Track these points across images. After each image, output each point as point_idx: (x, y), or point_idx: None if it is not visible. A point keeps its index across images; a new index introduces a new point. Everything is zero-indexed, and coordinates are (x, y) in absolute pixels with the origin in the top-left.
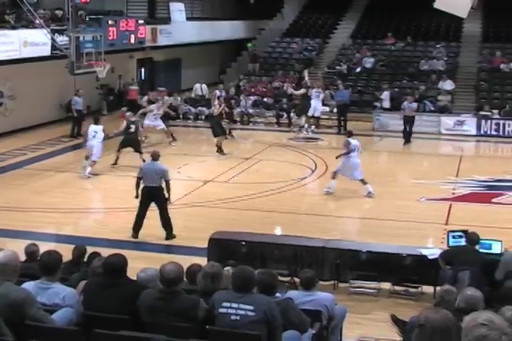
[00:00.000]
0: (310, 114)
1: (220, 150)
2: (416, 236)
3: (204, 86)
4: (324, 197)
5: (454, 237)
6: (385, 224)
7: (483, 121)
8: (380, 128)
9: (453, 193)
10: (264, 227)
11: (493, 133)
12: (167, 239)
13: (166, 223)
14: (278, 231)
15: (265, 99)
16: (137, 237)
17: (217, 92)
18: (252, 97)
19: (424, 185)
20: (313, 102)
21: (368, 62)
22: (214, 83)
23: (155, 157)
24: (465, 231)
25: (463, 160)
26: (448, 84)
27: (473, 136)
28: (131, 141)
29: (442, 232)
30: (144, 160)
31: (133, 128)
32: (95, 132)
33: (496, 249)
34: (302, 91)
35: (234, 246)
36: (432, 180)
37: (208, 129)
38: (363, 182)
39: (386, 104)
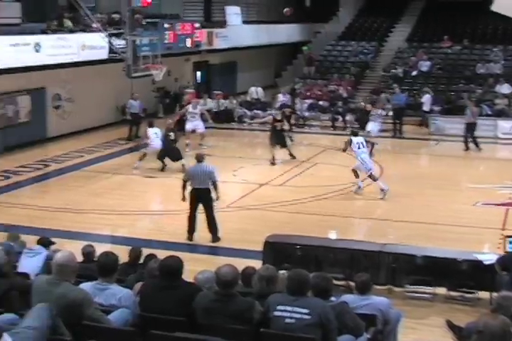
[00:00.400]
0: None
1: (291, 155)
2: (472, 241)
3: (259, 89)
4: (379, 201)
5: (511, 243)
6: (441, 229)
7: None
8: (437, 132)
9: (510, 198)
10: (319, 231)
11: None
12: (213, 241)
13: (212, 225)
14: (333, 235)
15: (320, 103)
16: (192, 240)
17: (281, 96)
18: (307, 101)
19: (480, 190)
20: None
21: (424, 65)
22: (269, 86)
23: (200, 159)
24: None
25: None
26: (505, 88)
27: None
28: (169, 150)
29: (499, 237)
30: (183, 165)
31: (172, 136)
32: (156, 133)
33: None
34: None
35: (289, 249)
36: (488, 184)
37: (263, 132)
38: (372, 177)
39: (426, 107)
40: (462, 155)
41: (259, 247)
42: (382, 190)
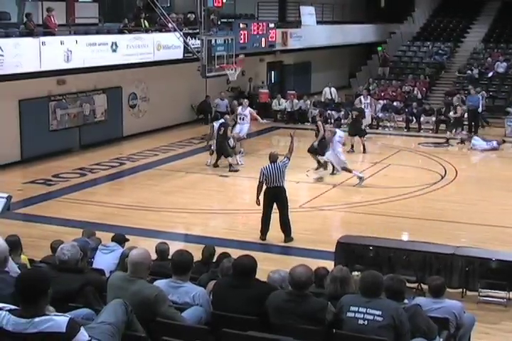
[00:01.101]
0: None
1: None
2: None
3: (333, 89)
4: (453, 203)
5: None
6: None
7: None
8: None
9: None
10: (391, 232)
11: None
12: (285, 241)
13: (286, 226)
14: (405, 237)
15: (395, 103)
16: (265, 239)
17: (362, 99)
18: (381, 101)
19: None
20: None
21: (501, 66)
22: (343, 87)
23: (273, 159)
24: None
25: None
26: None
27: None
28: (219, 144)
29: None
30: (230, 165)
31: (222, 130)
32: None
33: None
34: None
35: (361, 250)
36: None
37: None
38: (346, 170)
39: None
40: None
41: (332, 248)
42: (360, 178)
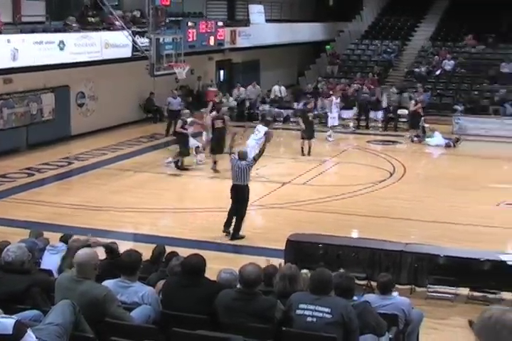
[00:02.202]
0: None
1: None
2: (495, 241)
3: (282, 88)
4: (402, 200)
5: None
6: (464, 229)
7: None
8: (460, 132)
9: None
10: (341, 230)
11: None
12: (231, 239)
13: (239, 223)
14: (355, 234)
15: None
16: (228, 233)
17: (334, 99)
18: (329, 99)
19: (504, 190)
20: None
21: (448, 64)
22: (292, 85)
23: (241, 156)
24: None
25: None
26: None
27: None
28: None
29: None
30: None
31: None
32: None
33: None
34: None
35: (311, 248)
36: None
37: (286, 131)
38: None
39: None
40: (485, 155)
41: (281, 246)
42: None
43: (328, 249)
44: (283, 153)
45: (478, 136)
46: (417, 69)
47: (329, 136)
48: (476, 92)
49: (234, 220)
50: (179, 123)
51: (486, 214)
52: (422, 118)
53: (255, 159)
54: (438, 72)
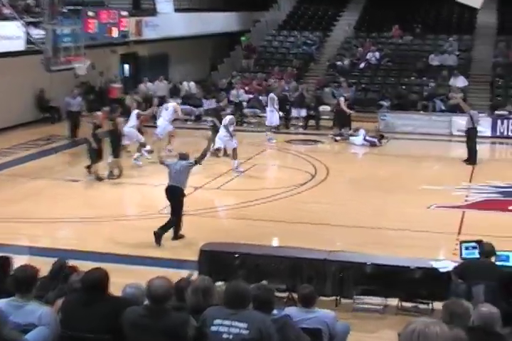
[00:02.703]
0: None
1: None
2: (426, 247)
3: (192, 84)
4: (325, 204)
5: (467, 248)
6: (392, 234)
7: (499, 121)
8: (386, 129)
9: (466, 200)
10: (259, 238)
11: (511, 134)
12: (157, 242)
13: (168, 227)
14: (275, 242)
15: (261, 98)
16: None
17: (273, 95)
18: (244, 96)
19: (434, 192)
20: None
21: (373, 57)
22: (204, 80)
23: (181, 156)
24: (479, 242)
25: (477, 164)
26: (460, 81)
27: (489, 137)
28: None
29: (454, 243)
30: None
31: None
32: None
33: None
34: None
35: (226, 258)
36: (443, 185)
37: (196, 130)
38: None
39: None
40: (414, 154)
41: (195, 257)
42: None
43: (246, 258)
44: (195, 155)
45: (407, 133)
46: (339, 63)
47: (270, 139)
48: (403, 87)
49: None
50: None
51: (416, 218)
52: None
53: (196, 162)
54: (362, 65)
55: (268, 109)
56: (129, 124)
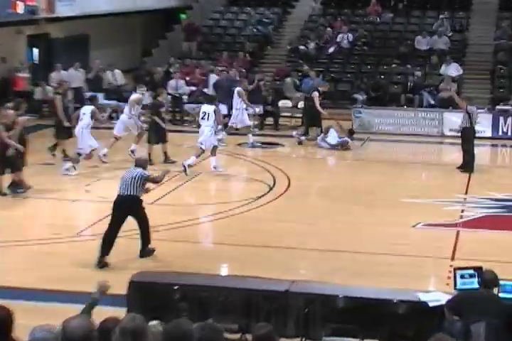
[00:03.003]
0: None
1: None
2: (412, 275)
3: (117, 72)
4: (287, 223)
5: (463, 277)
6: (370, 260)
7: (501, 119)
8: (362, 129)
9: (461, 217)
10: (205, 265)
11: None
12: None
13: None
14: (224, 271)
15: (205, 90)
16: (102, 265)
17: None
18: (185, 88)
19: (421, 206)
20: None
21: (345, 39)
22: (134, 69)
23: (137, 163)
24: (478, 269)
25: (475, 172)
26: (453, 69)
27: (489, 138)
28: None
29: (447, 270)
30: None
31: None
32: None
33: None
34: None
35: (163, 291)
36: (432, 198)
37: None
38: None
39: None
40: (396, 160)
41: (123, 290)
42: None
43: (188, 291)
44: (122, 162)
45: (387, 134)
46: (303, 47)
47: (220, 139)
48: (382, 76)
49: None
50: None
51: (400, 240)
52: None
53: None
54: (332, 50)
55: (235, 106)
56: (81, 125)
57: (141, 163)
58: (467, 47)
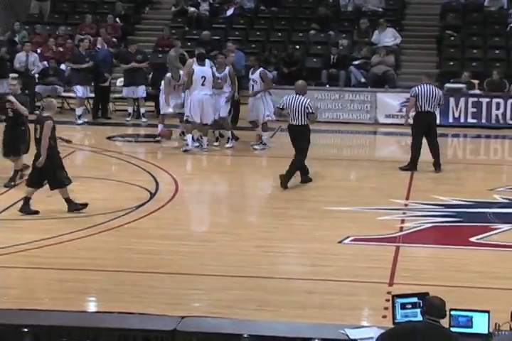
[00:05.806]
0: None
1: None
2: (337, 305)
3: None
4: (175, 241)
5: (404, 307)
6: (284, 287)
7: (452, 101)
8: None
9: (401, 228)
10: (65, 299)
11: (470, 120)
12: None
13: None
14: (92, 306)
15: (63, 66)
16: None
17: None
18: (39, 64)
19: (350, 215)
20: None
21: None
22: None
23: None
24: (423, 296)
25: (418, 170)
26: (389, 36)
27: (437, 126)
28: None
29: (384, 298)
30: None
31: None
32: None
33: (480, 326)
34: None
35: (10, 334)
36: (363, 205)
37: None
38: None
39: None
40: (314, 156)
41: None
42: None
43: (42, 333)
44: None
45: None
46: (192, 9)
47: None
48: (297, 46)
49: None
50: None
51: (321, 260)
52: None
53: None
54: (230, 12)
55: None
56: None
57: None
58: (406, 8)
